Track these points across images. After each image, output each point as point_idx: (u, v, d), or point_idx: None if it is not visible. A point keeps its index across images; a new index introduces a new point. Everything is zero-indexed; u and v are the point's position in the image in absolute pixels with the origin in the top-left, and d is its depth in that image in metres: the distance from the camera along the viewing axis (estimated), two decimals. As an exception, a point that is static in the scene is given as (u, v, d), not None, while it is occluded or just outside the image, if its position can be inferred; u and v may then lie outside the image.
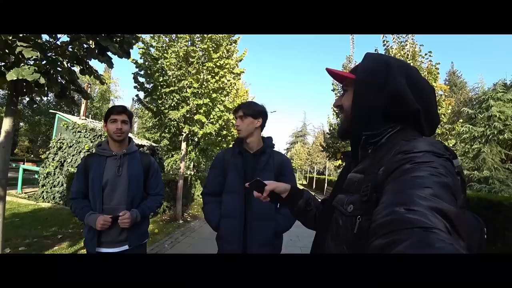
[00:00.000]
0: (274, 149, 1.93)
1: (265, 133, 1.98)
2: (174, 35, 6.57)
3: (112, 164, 1.84)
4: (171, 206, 7.51)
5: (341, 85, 0.88)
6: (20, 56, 2.27)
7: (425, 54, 8.37)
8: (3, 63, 2.38)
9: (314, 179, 28.64)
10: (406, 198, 0.49)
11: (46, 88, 2.58)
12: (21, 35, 2.24)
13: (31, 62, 2.38)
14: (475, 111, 15.37)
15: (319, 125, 61.44)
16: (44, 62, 2.45)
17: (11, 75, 2.15)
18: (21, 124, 20.87)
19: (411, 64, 8.46)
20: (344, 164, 0.95)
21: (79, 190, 1.83)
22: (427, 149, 0.58)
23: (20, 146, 28.77)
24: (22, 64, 2.31)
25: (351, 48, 12.84)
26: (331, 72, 0.86)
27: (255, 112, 1.81)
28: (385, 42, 8.79)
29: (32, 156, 25.75)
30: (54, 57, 2.53)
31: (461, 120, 9.50)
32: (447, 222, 0.44)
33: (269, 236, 1.73)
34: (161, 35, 6.45)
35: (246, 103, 1.86)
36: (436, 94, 7.72)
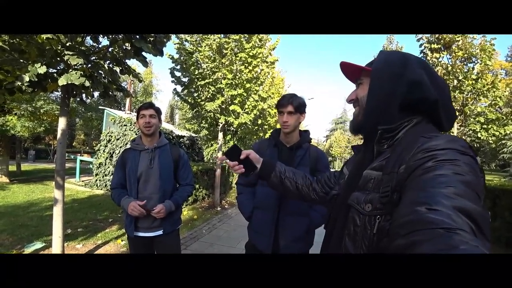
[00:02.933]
0: (311, 143, 1.90)
1: (304, 121, 1.91)
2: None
3: (145, 157, 2.02)
4: (209, 193, 7.88)
5: (356, 80, 0.87)
6: (68, 63, 2.55)
7: (477, 29, 7.54)
8: (54, 70, 2.69)
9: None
10: (428, 197, 0.47)
11: (91, 89, 2.88)
12: (68, 44, 2.52)
13: (78, 67, 2.66)
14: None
15: (360, 110, 58.85)
16: (88, 66, 2.73)
17: (62, 81, 2.44)
18: (77, 120, 23.05)
19: (461, 40, 7.74)
20: (355, 159, 0.93)
21: (118, 181, 2.06)
22: (450, 146, 0.56)
23: (77, 139, 32.00)
24: (70, 70, 2.60)
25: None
26: (346, 66, 0.85)
27: (303, 108, 1.78)
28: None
29: (87, 148, 28.46)
30: (96, 61, 2.79)
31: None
32: (471, 223, 0.43)
33: (301, 232, 1.73)
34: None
35: (293, 98, 1.76)
36: (496, 73, 6.91)
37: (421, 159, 0.57)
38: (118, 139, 8.69)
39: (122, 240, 4.14)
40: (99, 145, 9.07)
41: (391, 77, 0.74)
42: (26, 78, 2.46)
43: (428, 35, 8.30)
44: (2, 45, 2.34)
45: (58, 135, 2.99)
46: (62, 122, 2.98)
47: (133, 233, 1.98)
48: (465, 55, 7.66)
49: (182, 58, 6.61)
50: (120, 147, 8.54)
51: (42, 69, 2.48)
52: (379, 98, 0.75)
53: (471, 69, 7.68)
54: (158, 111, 2.06)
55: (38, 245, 3.80)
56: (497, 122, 7.77)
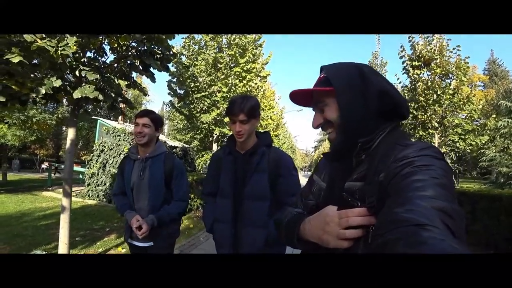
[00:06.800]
0: (273, 145, 1.71)
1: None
2: (203, 43, 7.04)
3: (137, 168, 1.93)
4: (204, 203, 7.99)
5: (315, 104, 0.83)
6: (82, 79, 2.74)
7: (453, 49, 8.20)
8: (67, 83, 2.87)
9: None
10: (405, 201, 0.50)
11: (101, 102, 3.07)
12: (82, 60, 2.72)
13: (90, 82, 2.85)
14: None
15: (347, 122, 59.93)
16: (99, 80, 2.92)
17: (76, 94, 2.62)
18: (63, 128, 22.72)
19: (439, 59, 8.31)
20: (330, 169, 0.88)
21: (120, 188, 2.05)
22: (425, 153, 0.60)
23: (63, 149, 31.38)
24: (83, 83, 2.79)
25: (377, 44, 12.72)
26: (298, 94, 0.83)
27: (256, 112, 1.57)
28: (410, 38, 8.69)
29: (75, 158, 27.89)
30: (107, 76, 2.99)
31: (493, 116, 9.16)
32: (447, 219, 0.45)
33: (260, 245, 1.57)
34: (191, 44, 6.95)
35: (244, 104, 1.52)
36: (472, 87, 7.39)
37: (399, 167, 0.60)
38: (111, 149, 8.73)
39: (122, 248, 4.23)
40: (91, 155, 9.07)
41: (358, 93, 0.74)
42: (42, 91, 2.63)
43: (409, 53, 8.85)
44: (22, 60, 2.50)
45: (67, 145, 3.14)
46: (71, 133, 3.14)
47: (127, 240, 1.98)
48: (443, 72, 8.24)
49: (178, 71, 6.85)
50: (114, 157, 8.58)
51: (57, 83, 2.66)
52: (354, 113, 0.74)
53: (448, 84, 8.26)
54: (154, 120, 1.92)
55: (39, 253, 3.85)
56: (471, 133, 8.38)
